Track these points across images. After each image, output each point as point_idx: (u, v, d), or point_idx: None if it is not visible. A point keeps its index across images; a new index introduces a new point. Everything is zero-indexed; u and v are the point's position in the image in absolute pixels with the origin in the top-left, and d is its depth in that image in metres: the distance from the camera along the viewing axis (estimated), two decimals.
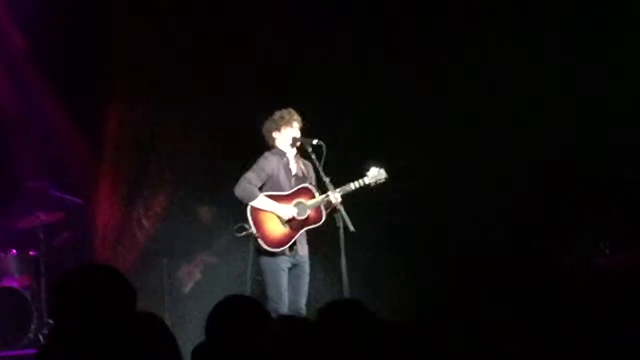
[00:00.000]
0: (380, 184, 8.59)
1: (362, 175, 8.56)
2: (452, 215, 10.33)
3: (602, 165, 9.99)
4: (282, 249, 8.37)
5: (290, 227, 8.42)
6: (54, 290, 3.56)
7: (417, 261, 10.22)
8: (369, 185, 8.55)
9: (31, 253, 10.19)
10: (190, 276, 10.81)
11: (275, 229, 8.39)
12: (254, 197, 8.36)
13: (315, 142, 8.43)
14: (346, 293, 8.26)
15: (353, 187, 8.49)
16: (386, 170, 8.60)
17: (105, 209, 10.95)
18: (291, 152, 8.59)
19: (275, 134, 8.57)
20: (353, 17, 10.50)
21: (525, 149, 10.08)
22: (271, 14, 10.61)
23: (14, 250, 10.15)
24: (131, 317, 3.57)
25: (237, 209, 8.57)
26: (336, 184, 8.41)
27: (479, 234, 10.07)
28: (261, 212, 8.39)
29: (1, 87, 10.82)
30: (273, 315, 7.73)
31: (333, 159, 8.41)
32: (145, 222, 10.97)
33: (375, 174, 8.57)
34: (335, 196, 8.33)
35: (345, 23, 10.47)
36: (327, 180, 8.36)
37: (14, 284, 9.95)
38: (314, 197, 8.47)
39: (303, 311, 8.34)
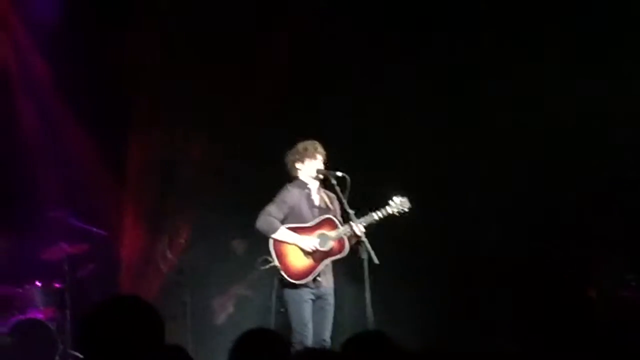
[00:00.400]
0: (403, 213, 8.55)
1: (385, 204, 8.51)
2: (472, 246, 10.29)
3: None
4: (304, 281, 8.34)
5: (313, 259, 8.40)
6: (82, 322, 3.55)
7: (436, 289, 10.20)
8: (392, 214, 8.52)
9: (56, 285, 10.22)
10: (223, 308, 10.81)
11: (298, 261, 8.38)
12: (275, 230, 8.35)
13: (339, 174, 8.42)
14: (370, 325, 8.22)
15: (376, 218, 8.44)
16: (409, 200, 8.56)
17: (129, 240, 10.96)
18: (314, 184, 8.58)
19: (298, 165, 8.56)
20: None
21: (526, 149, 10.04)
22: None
23: (39, 282, 10.19)
24: (159, 349, 3.55)
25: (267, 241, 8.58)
26: (360, 216, 8.38)
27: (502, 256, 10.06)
28: (283, 244, 8.38)
29: (24, 115, 10.88)
30: (298, 346, 7.81)
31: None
32: (169, 254, 10.97)
33: (398, 203, 8.53)
34: (358, 227, 8.30)
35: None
36: (351, 212, 8.33)
37: (39, 316, 9.98)
38: (337, 228, 8.44)
39: (327, 343, 8.31)
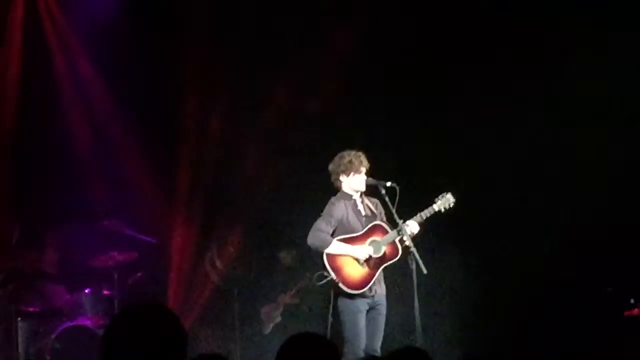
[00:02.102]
0: (449, 208, 8.51)
1: (432, 202, 8.48)
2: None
3: None
4: (363, 290, 8.30)
5: (369, 267, 8.35)
6: (104, 331, 3.51)
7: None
8: (439, 211, 8.49)
9: (105, 292, 10.27)
10: (270, 318, 10.78)
11: (354, 271, 8.33)
12: (327, 244, 8.31)
13: (388, 184, 8.38)
14: (419, 336, 8.17)
15: (423, 217, 8.42)
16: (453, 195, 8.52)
17: (178, 249, 10.97)
18: (356, 194, 8.54)
19: (342, 178, 8.52)
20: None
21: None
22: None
23: (88, 289, 10.24)
24: (182, 356, 3.48)
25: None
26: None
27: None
28: (337, 257, 8.33)
29: (78, 126, 10.97)
30: (351, 357, 7.77)
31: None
32: (218, 263, 10.97)
33: (443, 200, 8.50)
34: (408, 227, 8.27)
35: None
36: (400, 222, 8.28)
37: (88, 323, 10.02)
38: (386, 233, 8.39)
39: (378, 353, 8.25)
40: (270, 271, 10.96)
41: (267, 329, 10.76)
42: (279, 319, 10.77)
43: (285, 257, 11.00)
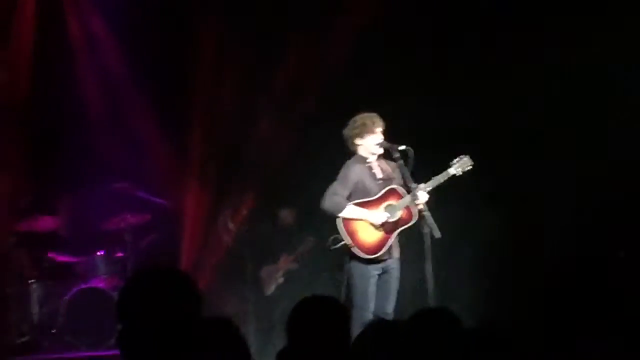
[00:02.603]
0: (466, 171, 8.42)
1: (447, 167, 8.41)
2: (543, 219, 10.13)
3: None
4: (379, 254, 8.27)
5: (385, 231, 8.30)
6: (118, 294, 3.51)
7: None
8: (454, 175, 8.40)
9: (118, 254, 10.33)
10: (272, 278, 10.77)
11: (370, 235, 8.29)
12: (342, 208, 8.25)
13: (402, 148, 8.29)
14: (430, 298, 8.16)
15: (440, 180, 8.34)
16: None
17: (191, 211, 10.97)
18: (373, 157, 8.48)
19: (357, 141, 8.43)
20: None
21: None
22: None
23: (101, 251, 10.27)
24: (196, 320, 3.47)
25: (318, 213, 8.51)
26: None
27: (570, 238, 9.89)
28: (352, 221, 8.29)
29: (90, 90, 10.96)
30: (360, 321, 7.75)
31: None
32: (231, 225, 10.97)
33: (460, 163, 8.41)
34: (422, 191, 8.22)
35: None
36: (414, 186, 8.23)
37: (101, 285, 10.07)
38: (402, 197, 8.34)
39: (389, 316, 8.25)
40: (276, 233, 10.96)
41: (269, 290, 10.74)
42: (281, 279, 10.75)
43: (286, 216, 10.99)
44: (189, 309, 3.43)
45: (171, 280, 3.48)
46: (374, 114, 8.41)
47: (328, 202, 8.28)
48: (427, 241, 8.18)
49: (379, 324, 4.46)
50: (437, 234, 8.15)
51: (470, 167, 8.41)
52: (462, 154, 8.44)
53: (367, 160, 8.44)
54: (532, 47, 10.05)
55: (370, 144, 8.40)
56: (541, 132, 10.09)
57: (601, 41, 9.70)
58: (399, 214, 8.31)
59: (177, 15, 10.68)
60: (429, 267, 8.19)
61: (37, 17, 10.74)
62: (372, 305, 8.26)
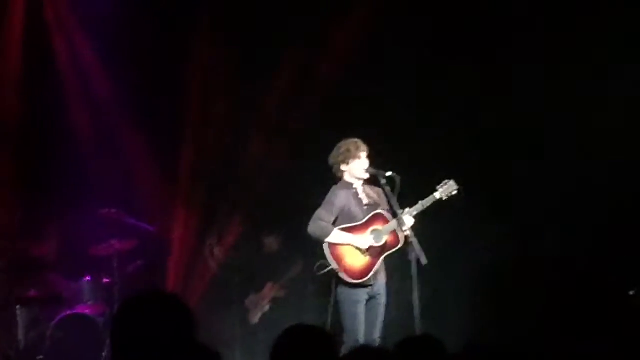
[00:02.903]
0: (452, 196, 8.44)
1: (433, 191, 8.42)
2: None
3: None
4: (365, 279, 8.29)
5: (371, 256, 8.33)
6: (114, 316, 3.50)
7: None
8: (440, 199, 8.42)
9: (104, 280, 10.29)
10: (256, 307, 10.75)
11: (356, 260, 8.31)
12: (328, 233, 8.29)
13: (389, 174, 8.32)
14: (418, 325, 8.16)
15: (426, 205, 8.36)
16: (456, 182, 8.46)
17: (178, 237, 10.98)
18: (358, 182, 8.51)
19: (343, 167, 8.48)
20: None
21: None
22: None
23: (88, 277, 10.25)
24: (189, 346, 3.47)
25: (304, 240, 8.53)
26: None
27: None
28: (338, 246, 8.32)
29: (78, 113, 10.97)
30: (349, 347, 7.76)
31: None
32: (217, 251, 10.97)
33: (445, 187, 8.43)
34: (408, 216, 8.24)
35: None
36: (400, 212, 8.25)
37: (87, 311, 10.04)
38: (388, 222, 8.37)
39: (377, 343, 8.24)
40: (261, 260, 10.94)
41: (255, 318, 10.72)
42: (267, 308, 10.73)
43: (272, 243, 10.98)
44: (184, 332, 3.43)
45: (166, 304, 3.47)
46: (357, 140, 8.46)
47: (313, 227, 8.31)
48: (414, 267, 8.18)
49: (364, 351, 4.47)
50: (424, 260, 8.14)
51: (456, 191, 8.43)
52: (447, 179, 8.47)
53: (353, 186, 8.48)
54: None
55: (355, 169, 8.44)
56: (537, 149, 10.12)
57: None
58: (384, 238, 8.33)
59: (166, 38, 10.69)
60: (415, 294, 8.19)
61: (24, 40, 10.78)
62: (362, 330, 8.27)
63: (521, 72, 10.04)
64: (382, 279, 8.43)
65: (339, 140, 8.54)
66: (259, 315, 10.73)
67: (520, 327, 9.72)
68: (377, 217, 8.40)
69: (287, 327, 4.32)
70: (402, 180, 8.19)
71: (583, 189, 9.85)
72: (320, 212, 8.35)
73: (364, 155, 8.42)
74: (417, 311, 8.19)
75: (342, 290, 8.32)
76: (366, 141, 8.47)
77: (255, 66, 10.71)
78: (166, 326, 3.39)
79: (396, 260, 8.56)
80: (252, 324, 10.69)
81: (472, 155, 10.06)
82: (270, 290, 10.79)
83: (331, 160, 8.54)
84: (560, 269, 9.91)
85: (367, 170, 8.44)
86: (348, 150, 8.43)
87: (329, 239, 8.28)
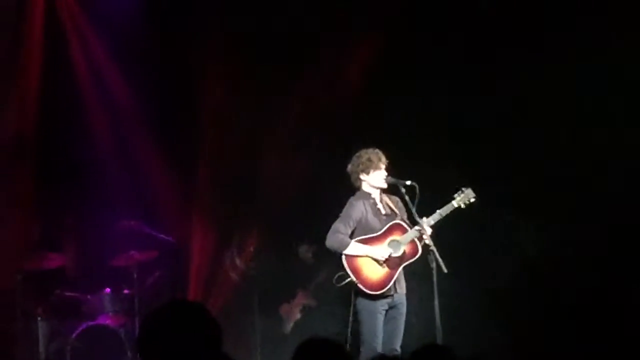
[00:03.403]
0: (470, 204, 8.42)
1: (451, 199, 8.40)
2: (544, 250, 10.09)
3: None
4: (383, 290, 8.26)
5: (389, 267, 8.29)
6: (140, 327, 3.50)
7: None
8: (458, 207, 8.40)
9: (125, 291, 10.29)
10: (290, 316, 10.75)
11: (374, 272, 8.28)
12: (345, 246, 8.25)
13: (408, 183, 8.31)
14: (439, 335, 8.13)
15: (443, 214, 8.34)
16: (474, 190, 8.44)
17: (198, 248, 10.97)
18: (376, 192, 8.48)
19: (362, 177, 8.46)
20: None
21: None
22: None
23: (108, 289, 10.25)
24: (218, 354, 3.47)
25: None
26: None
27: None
28: (356, 258, 8.28)
29: (98, 125, 10.99)
30: (368, 356, 7.73)
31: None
32: (238, 261, 10.96)
33: (463, 196, 8.42)
34: (427, 225, 8.21)
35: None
36: (420, 221, 8.22)
37: (108, 322, 10.04)
38: (406, 231, 8.33)
39: (397, 352, 8.23)
40: (290, 269, 10.94)
41: (288, 328, 10.74)
42: (298, 316, 10.73)
43: (305, 253, 10.97)
44: (210, 343, 3.44)
45: (193, 314, 3.50)
46: (377, 150, 8.45)
47: (331, 240, 8.29)
48: (435, 276, 8.16)
49: None
50: (445, 269, 8.12)
51: (474, 199, 8.42)
52: (464, 187, 8.44)
53: (371, 196, 8.45)
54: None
55: (375, 179, 8.42)
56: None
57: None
58: (403, 248, 8.29)
59: (184, 49, 10.71)
60: (436, 303, 8.16)
61: (43, 55, 10.80)
62: (380, 341, 8.24)
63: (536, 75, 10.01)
64: (401, 290, 8.39)
65: (357, 149, 8.51)
66: (292, 324, 10.73)
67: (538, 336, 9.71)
68: (395, 227, 8.36)
69: (302, 342, 4.31)
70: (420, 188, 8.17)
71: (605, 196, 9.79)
72: (338, 225, 8.33)
73: (383, 166, 8.41)
74: (438, 320, 8.17)
75: (361, 301, 8.29)
76: (383, 150, 8.44)
77: (274, 77, 10.70)
78: (193, 337, 3.43)
79: (417, 269, 8.52)
80: (284, 333, 10.70)
81: (489, 163, 10.01)
82: (301, 299, 10.79)
83: (350, 168, 8.51)
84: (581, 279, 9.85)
85: (386, 180, 8.41)
86: (369, 160, 8.41)
87: (347, 252, 8.25)
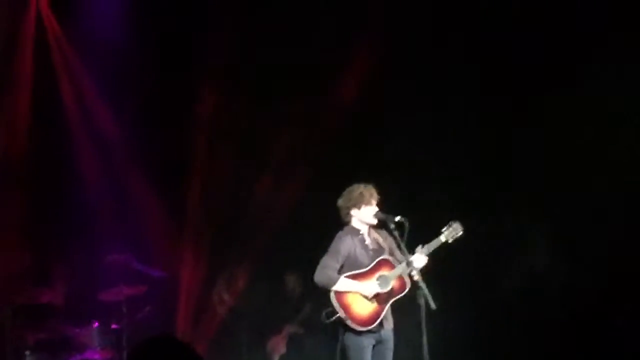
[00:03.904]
0: (457, 238, 8.41)
1: (439, 234, 8.37)
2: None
3: None
4: (372, 326, 8.23)
5: (378, 302, 8.25)
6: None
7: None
8: (446, 242, 8.39)
9: (113, 326, 10.27)
10: (277, 349, 10.75)
11: (363, 308, 8.25)
12: (334, 282, 8.21)
13: (397, 219, 8.29)
14: None
15: (431, 249, 8.28)
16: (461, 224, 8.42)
17: (187, 283, 10.98)
18: (364, 228, 8.49)
19: (353, 212, 8.41)
20: None
21: None
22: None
23: (97, 323, 10.24)
24: None
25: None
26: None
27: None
28: (345, 294, 8.24)
29: (86, 160, 11.01)
30: None
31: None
32: (226, 296, 10.97)
33: (450, 230, 8.38)
34: (415, 258, 8.20)
35: None
36: (408, 256, 8.23)
37: (96, 357, 10.02)
38: (394, 267, 8.34)
39: None
40: (278, 303, 10.95)
41: None
42: (283, 350, 10.74)
43: (293, 281, 10.99)
44: None
45: (177, 350, 3.49)
46: (370, 185, 8.43)
47: (319, 276, 8.25)
48: (423, 312, 8.15)
49: None
50: (433, 305, 8.10)
51: (461, 233, 8.41)
52: (452, 220, 8.46)
53: (360, 232, 8.45)
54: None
55: (365, 215, 8.39)
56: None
57: None
58: (391, 284, 8.26)
59: (173, 80, 10.75)
60: (424, 338, 8.15)
61: (33, 85, 10.85)
62: None
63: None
64: (388, 325, 8.36)
65: (348, 182, 8.54)
66: (278, 357, 10.72)
67: None
68: (382, 263, 8.34)
69: None
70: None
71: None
72: (326, 260, 8.29)
73: (374, 202, 8.40)
74: (425, 356, 8.16)
75: (349, 337, 8.26)
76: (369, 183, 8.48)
77: (262, 108, 10.75)
78: None
79: (404, 304, 8.53)
80: None
81: (473, 192, 10.08)
82: (287, 332, 10.80)
83: (341, 203, 8.47)
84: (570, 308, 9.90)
85: (375, 216, 8.42)
86: (361, 195, 8.38)
87: (336, 287, 8.22)
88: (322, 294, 8.32)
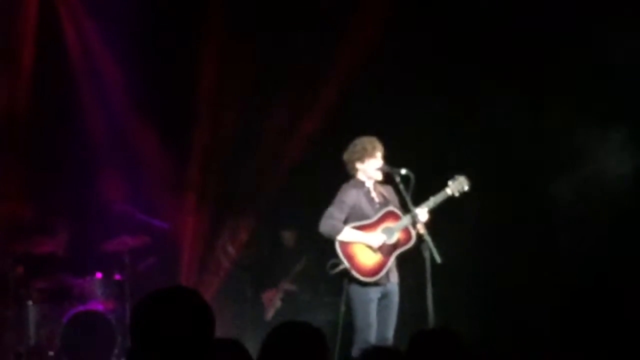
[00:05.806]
0: (463, 193, 8.34)
1: (444, 186, 8.31)
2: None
3: None
4: (377, 277, 8.18)
5: (382, 254, 8.22)
6: (133, 311, 3.46)
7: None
8: (452, 195, 8.31)
9: (116, 277, 10.25)
10: (271, 303, 10.73)
11: (368, 258, 8.20)
12: (338, 232, 8.17)
13: (403, 172, 8.22)
14: (431, 322, 8.07)
15: (437, 202, 8.25)
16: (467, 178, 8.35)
17: (190, 234, 10.95)
18: (370, 182, 8.41)
19: (358, 165, 8.37)
20: None
21: None
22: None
23: (100, 274, 10.21)
24: (210, 341, 3.44)
25: (316, 236, 8.45)
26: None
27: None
28: (350, 244, 8.20)
29: (91, 111, 10.94)
30: (362, 346, 7.68)
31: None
32: (230, 249, 10.94)
33: (457, 183, 8.32)
34: (420, 212, 8.14)
35: None
36: (413, 209, 8.15)
37: (99, 307, 10.00)
38: (399, 219, 8.27)
39: (389, 342, 8.16)
40: (280, 256, 10.93)
41: (269, 315, 10.71)
42: (279, 304, 10.70)
43: (289, 238, 10.96)
44: (202, 329, 3.41)
45: (185, 300, 3.45)
46: (373, 138, 8.35)
47: (324, 225, 8.20)
48: (428, 265, 8.10)
49: (376, 352, 4.37)
50: (438, 259, 8.06)
51: (467, 188, 8.33)
52: (459, 174, 8.37)
53: (365, 185, 8.38)
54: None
55: (370, 168, 8.33)
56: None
57: None
58: (396, 236, 8.22)
59: (179, 34, 10.65)
60: (429, 293, 8.10)
61: (37, 36, 10.75)
62: (374, 329, 8.18)
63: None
64: (394, 279, 8.33)
65: (352, 137, 8.44)
66: (273, 311, 10.69)
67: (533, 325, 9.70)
68: (388, 215, 8.29)
69: (276, 326, 4.22)
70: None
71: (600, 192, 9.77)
72: (331, 210, 8.25)
73: (379, 154, 8.32)
74: (430, 309, 8.11)
75: (354, 289, 8.22)
76: (379, 138, 8.38)
77: (270, 59, 10.66)
78: (187, 322, 3.38)
79: (410, 258, 8.48)
80: (266, 321, 10.65)
81: (486, 152, 10.00)
82: (282, 286, 10.77)
83: (346, 157, 8.42)
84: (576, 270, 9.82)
85: (381, 169, 8.34)
86: (364, 149, 8.32)
87: (340, 237, 8.18)
88: (319, 249, 8.28)
